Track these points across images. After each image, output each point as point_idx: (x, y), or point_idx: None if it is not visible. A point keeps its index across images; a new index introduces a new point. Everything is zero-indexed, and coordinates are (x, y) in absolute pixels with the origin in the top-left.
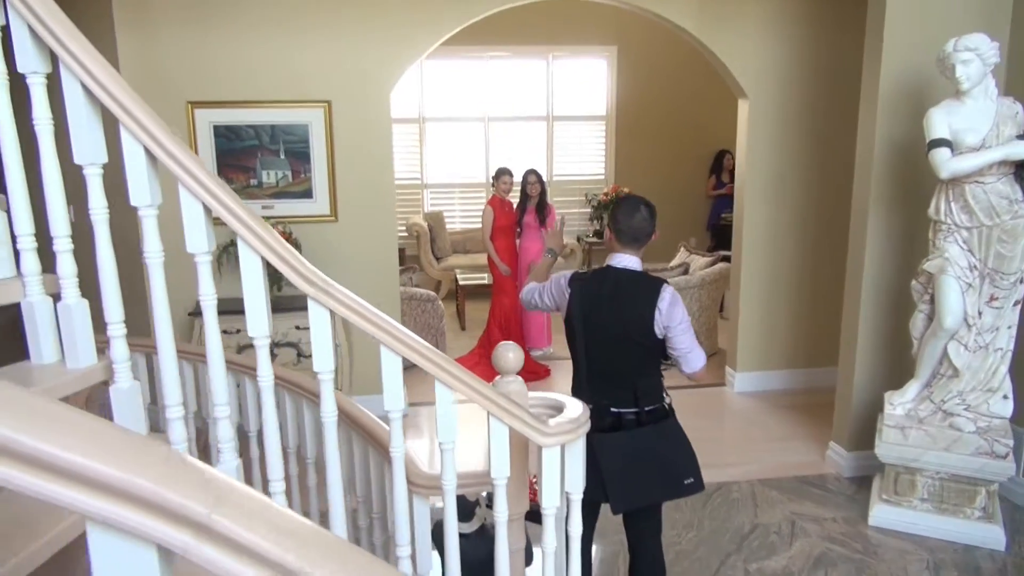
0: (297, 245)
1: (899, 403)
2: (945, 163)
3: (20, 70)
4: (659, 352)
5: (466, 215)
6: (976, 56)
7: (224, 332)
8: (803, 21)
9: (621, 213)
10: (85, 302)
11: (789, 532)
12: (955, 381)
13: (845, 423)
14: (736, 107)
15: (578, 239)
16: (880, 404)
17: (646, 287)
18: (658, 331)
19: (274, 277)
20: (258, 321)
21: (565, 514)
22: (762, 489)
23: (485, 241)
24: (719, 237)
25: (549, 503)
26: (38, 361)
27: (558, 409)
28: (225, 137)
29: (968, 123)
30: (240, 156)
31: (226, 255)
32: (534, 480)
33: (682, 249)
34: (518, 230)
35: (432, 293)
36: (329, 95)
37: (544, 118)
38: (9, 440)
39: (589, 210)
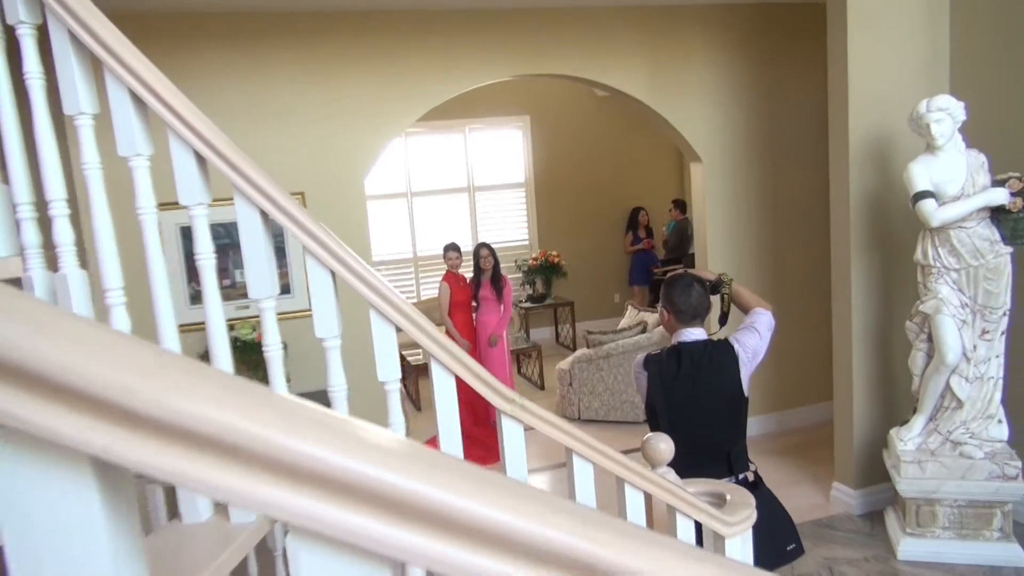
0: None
1: (908, 438)
2: (934, 213)
3: (183, 202)
4: (745, 415)
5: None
6: (947, 115)
7: None
8: (747, 87)
9: (676, 294)
10: None
11: None
12: (959, 412)
13: (848, 463)
14: (646, 167)
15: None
16: (879, 441)
17: (720, 348)
18: (744, 378)
19: (260, 367)
20: (452, 441)
21: None
22: None
23: (443, 318)
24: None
25: None
26: None
27: (720, 496)
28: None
29: (946, 175)
30: None
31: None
32: None
33: (630, 308)
34: (474, 304)
35: None
36: (302, 186)
37: (465, 189)
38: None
39: (520, 275)
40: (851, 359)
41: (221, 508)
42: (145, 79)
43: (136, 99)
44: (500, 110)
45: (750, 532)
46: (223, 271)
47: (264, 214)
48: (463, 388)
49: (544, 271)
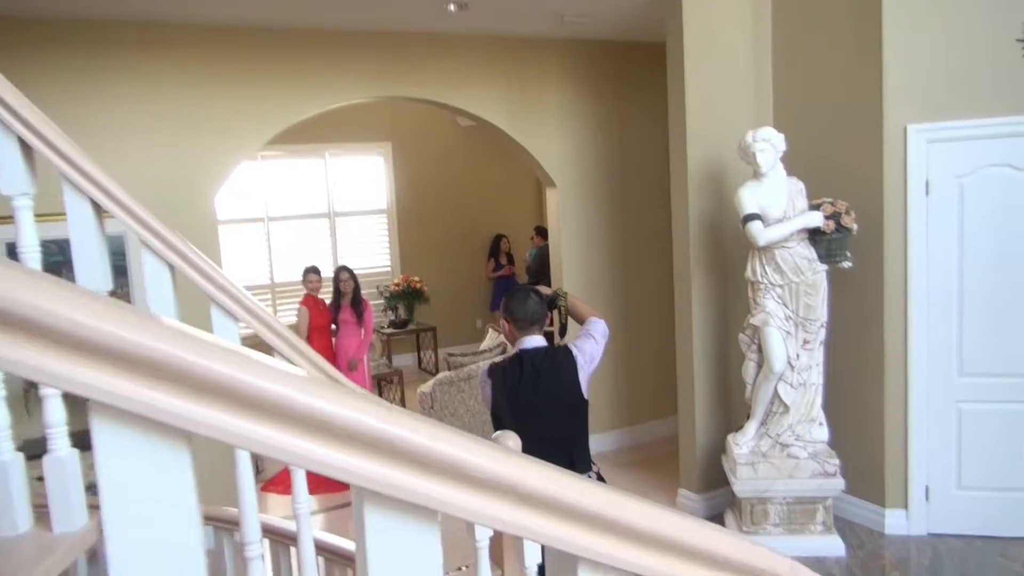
0: None
1: (743, 442)
2: (761, 233)
3: (5, 191)
4: (586, 417)
5: None
6: (770, 145)
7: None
8: (599, 116)
9: (514, 304)
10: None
11: None
12: (786, 416)
13: (692, 469)
14: (507, 195)
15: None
16: (719, 447)
17: (560, 353)
18: (583, 381)
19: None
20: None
21: None
22: None
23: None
24: None
25: None
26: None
27: None
28: None
29: (770, 199)
30: None
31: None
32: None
33: (491, 331)
34: (334, 328)
35: None
36: (148, 204)
37: (326, 215)
38: None
39: (382, 301)
40: (693, 371)
41: (42, 519)
42: None
43: None
44: (360, 136)
45: None
46: None
47: (96, 206)
48: None
49: (406, 297)
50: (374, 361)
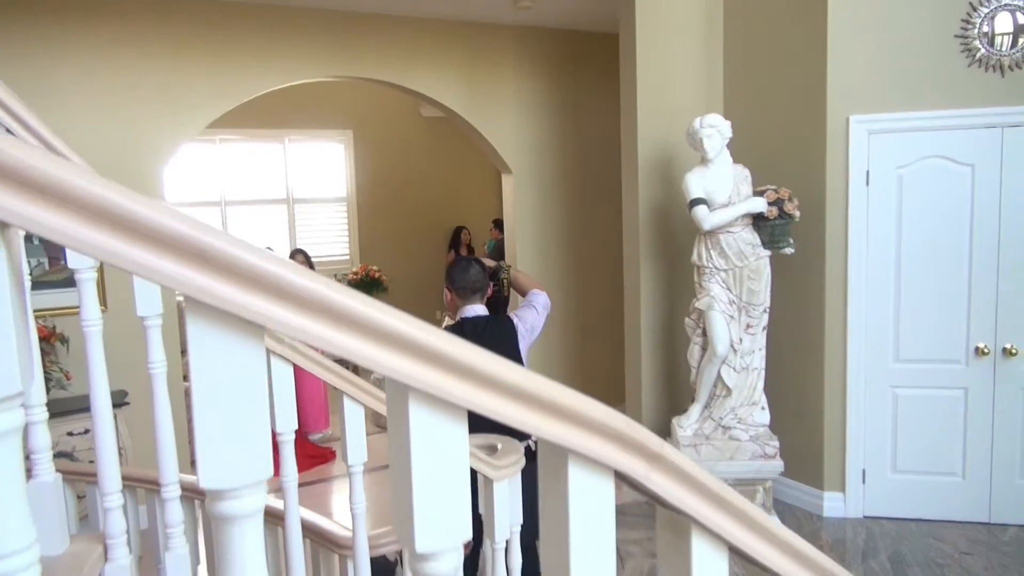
0: (64, 341)
1: (687, 425)
2: (706, 217)
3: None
4: None
5: None
6: (717, 131)
7: None
8: (555, 104)
9: (456, 273)
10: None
11: (616, 557)
12: (728, 399)
13: None
14: (469, 187)
15: None
16: (664, 430)
17: (501, 321)
18: (523, 351)
19: (45, 378)
20: None
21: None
22: None
23: None
24: None
25: (499, 538)
26: None
27: (492, 447)
28: None
29: (716, 184)
30: None
31: None
32: None
33: (447, 318)
34: None
35: None
36: None
37: (284, 201)
38: None
39: None
40: (640, 355)
41: None
42: None
43: None
44: (321, 123)
45: (519, 477)
46: None
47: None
48: None
49: (365, 286)
50: None
